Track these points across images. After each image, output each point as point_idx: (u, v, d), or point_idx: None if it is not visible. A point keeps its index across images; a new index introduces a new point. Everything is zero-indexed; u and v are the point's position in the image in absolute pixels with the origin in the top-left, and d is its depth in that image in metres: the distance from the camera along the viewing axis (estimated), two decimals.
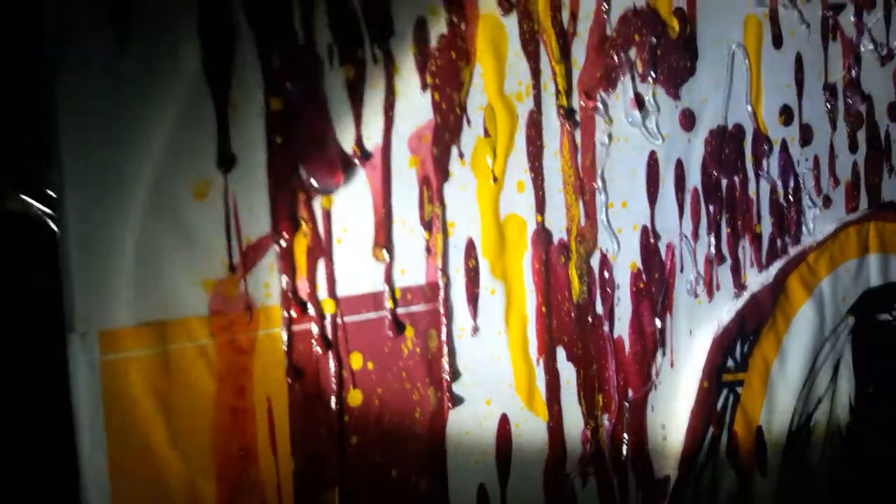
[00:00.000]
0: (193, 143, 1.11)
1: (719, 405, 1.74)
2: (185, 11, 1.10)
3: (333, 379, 1.24)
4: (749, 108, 1.80)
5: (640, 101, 1.62)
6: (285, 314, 1.19)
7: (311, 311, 1.22)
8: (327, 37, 1.22)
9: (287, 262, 1.19)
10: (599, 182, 1.56)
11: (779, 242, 1.86)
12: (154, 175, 1.08)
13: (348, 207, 1.26)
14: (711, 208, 1.74)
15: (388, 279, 1.30)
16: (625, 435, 1.62)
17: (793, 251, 1.87)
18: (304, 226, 1.21)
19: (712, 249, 1.73)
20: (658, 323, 1.65)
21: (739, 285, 1.78)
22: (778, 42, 1.86)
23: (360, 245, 1.27)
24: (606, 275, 1.58)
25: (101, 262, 1.04)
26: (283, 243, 1.18)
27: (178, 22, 1.10)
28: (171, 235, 1.10)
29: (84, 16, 1.02)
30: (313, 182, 1.20)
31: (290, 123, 1.18)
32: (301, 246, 1.21)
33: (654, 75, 1.63)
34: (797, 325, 1.85)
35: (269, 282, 1.17)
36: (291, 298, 1.20)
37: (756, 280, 1.80)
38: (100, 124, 1.04)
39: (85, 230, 1.03)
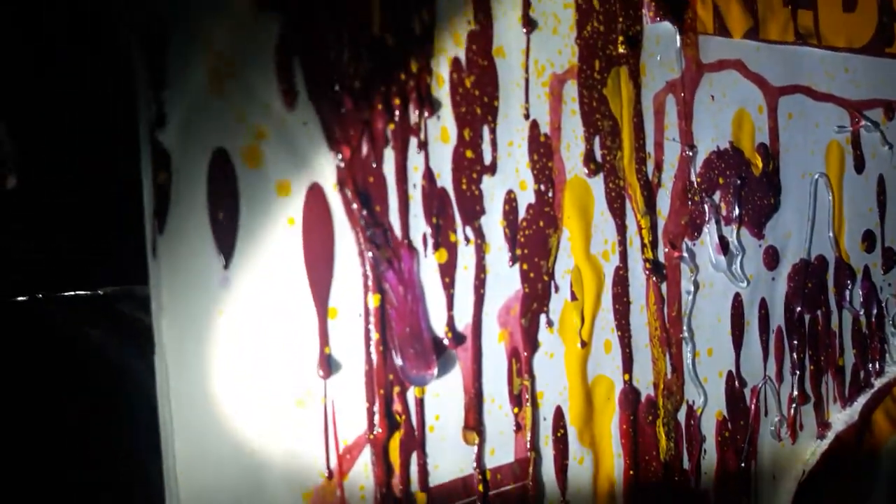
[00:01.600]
0: (298, 350, 1.10)
1: None
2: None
3: None
4: (832, 237, 1.75)
5: (724, 245, 1.58)
6: None
7: None
8: (422, 226, 1.21)
9: (381, 461, 1.17)
10: (686, 332, 1.52)
11: (862, 374, 1.80)
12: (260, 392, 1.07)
13: (441, 393, 1.23)
14: (795, 343, 1.69)
15: (479, 461, 1.27)
16: None
17: (877, 383, 1.81)
18: (398, 419, 1.19)
19: (795, 390, 1.68)
20: (743, 469, 1.60)
21: (823, 424, 1.72)
22: (860, 166, 1.81)
23: (452, 430, 1.25)
24: (693, 428, 1.53)
25: (205, 481, 1.03)
26: (379, 441, 1.16)
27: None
28: (273, 446, 1.08)
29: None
30: (409, 376, 1.18)
31: (386, 320, 1.17)
32: (395, 440, 1.19)
33: (738, 216, 1.59)
34: (884, 462, 1.78)
35: (363, 484, 1.15)
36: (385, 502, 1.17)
37: (840, 417, 1.74)
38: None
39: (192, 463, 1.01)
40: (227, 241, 1.02)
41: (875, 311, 1.82)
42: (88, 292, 1.36)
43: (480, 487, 1.27)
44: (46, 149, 1.31)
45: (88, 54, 1.29)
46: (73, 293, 1.35)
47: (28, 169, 1.29)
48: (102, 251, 1.27)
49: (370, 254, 1.15)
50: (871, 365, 1.81)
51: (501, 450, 1.30)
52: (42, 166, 1.31)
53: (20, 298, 1.30)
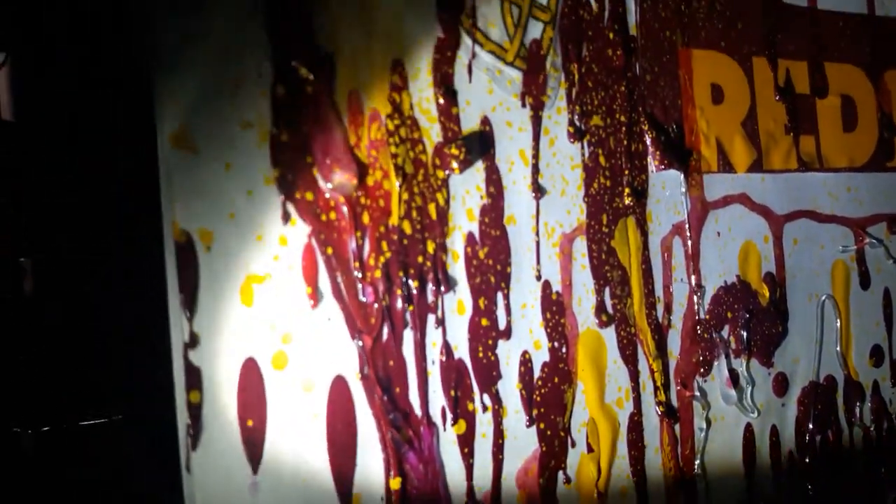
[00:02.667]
0: None
1: None
2: None
3: None
4: (840, 355, 1.78)
5: (734, 379, 1.61)
6: None
7: None
8: (441, 400, 1.25)
9: None
10: (698, 469, 1.55)
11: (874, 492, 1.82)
12: None
13: None
14: (807, 461, 1.71)
15: None
16: None
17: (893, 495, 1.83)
18: None
19: None
20: None
21: None
22: (866, 282, 1.84)
23: None
24: None
25: None
26: None
27: None
28: None
29: None
30: None
31: (408, 500, 1.20)
32: None
33: (747, 348, 1.63)
34: None
35: None
36: None
37: None
38: None
39: None
40: (256, 449, 1.07)
41: (886, 426, 1.85)
42: None
43: None
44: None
45: None
46: None
47: None
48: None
49: (391, 436, 1.19)
50: (884, 483, 1.83)
51: None
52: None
53: None
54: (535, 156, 1.38)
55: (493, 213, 1.33)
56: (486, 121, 1.33)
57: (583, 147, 1.44)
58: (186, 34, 1.06)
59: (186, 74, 1.06)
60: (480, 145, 1.30)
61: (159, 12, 1.05)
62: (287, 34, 1.14)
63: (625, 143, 1.49)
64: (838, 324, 1.76)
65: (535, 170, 1.38)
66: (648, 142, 1.52)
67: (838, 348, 1.79)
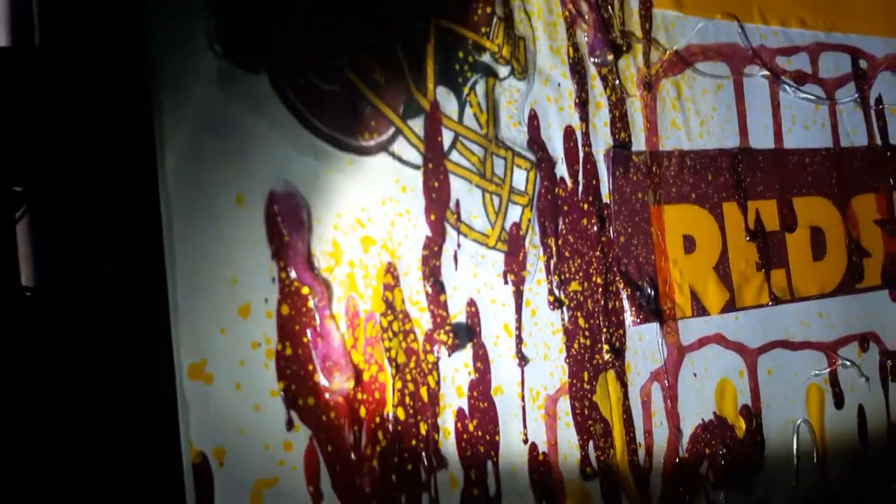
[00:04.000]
0: None
1: None
2: None
3: None
4: (817, 466, 1.88)
5: None
6: None
7: None
8: None
9: None
10: None
11: None
12: None
13: None
14: None
15: None
16: None
17: None
18: None
19: None
20: None
21: None
22: (840, 402, 1.95)
23: None
24: None
25: None
26: None
27: None
28: None
29: None
30: None
31: None
32: None
33: (725, 482, 1.73)
34: None
35: None
36: None
37: None
38: None
39: None
40: None
41: None
42: None
43: None
44: None
45: None
46: None
47: None
48: None
49: None
50: None
51: None
52: None
53: None
54: (518, 327, 1.50)
55: (481, 386, 1.45)
56: (471, 302, 1.46)
57: (562, 312, 1.56)
58: None
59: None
60: (468, 331, 1.42)
61: None
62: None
63: (602, 303, 1.61)
64: (814, 443, 1.87)
65: (519, 340, 1.50)
66: (625, 299, 1.64)
67: (815, 460, 1.89)
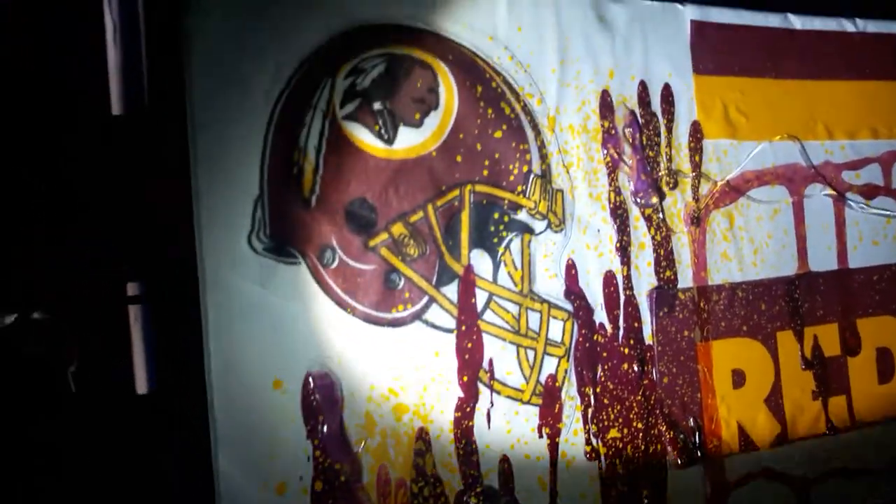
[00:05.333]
0: None
1: None
2: None
3: None
4: None
5: None
6: None
7: None
8: None
9: None
10: None
11: None
12: None
13: None
14: None
15: None
16: None
17: None
18: None
19: None
20: None
21: None
22: None
23: None
24: None
25: None
26: None
27: None
28: None
29: None
30: None
31: None
32: None
33: None
34: None
35: None
36: None
37: None
38: None
39: None
40: None
41: None
42: None
43: None
44: None
45: None
46: None
47: None
48: None
49: None
50: None
51: None
52: None
53: None
54: (553, 481, 1.52)
55: None
56: (504, 459, 1.48)
57: (599, 460, 1.56)
58: None
59: None
60: (497, 496, 1.45)
61: None
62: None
63: (642, 448, 1.60)
64: None
65: (554, 493, 1.52)
66: (667, 443, 1.62)
67: None
